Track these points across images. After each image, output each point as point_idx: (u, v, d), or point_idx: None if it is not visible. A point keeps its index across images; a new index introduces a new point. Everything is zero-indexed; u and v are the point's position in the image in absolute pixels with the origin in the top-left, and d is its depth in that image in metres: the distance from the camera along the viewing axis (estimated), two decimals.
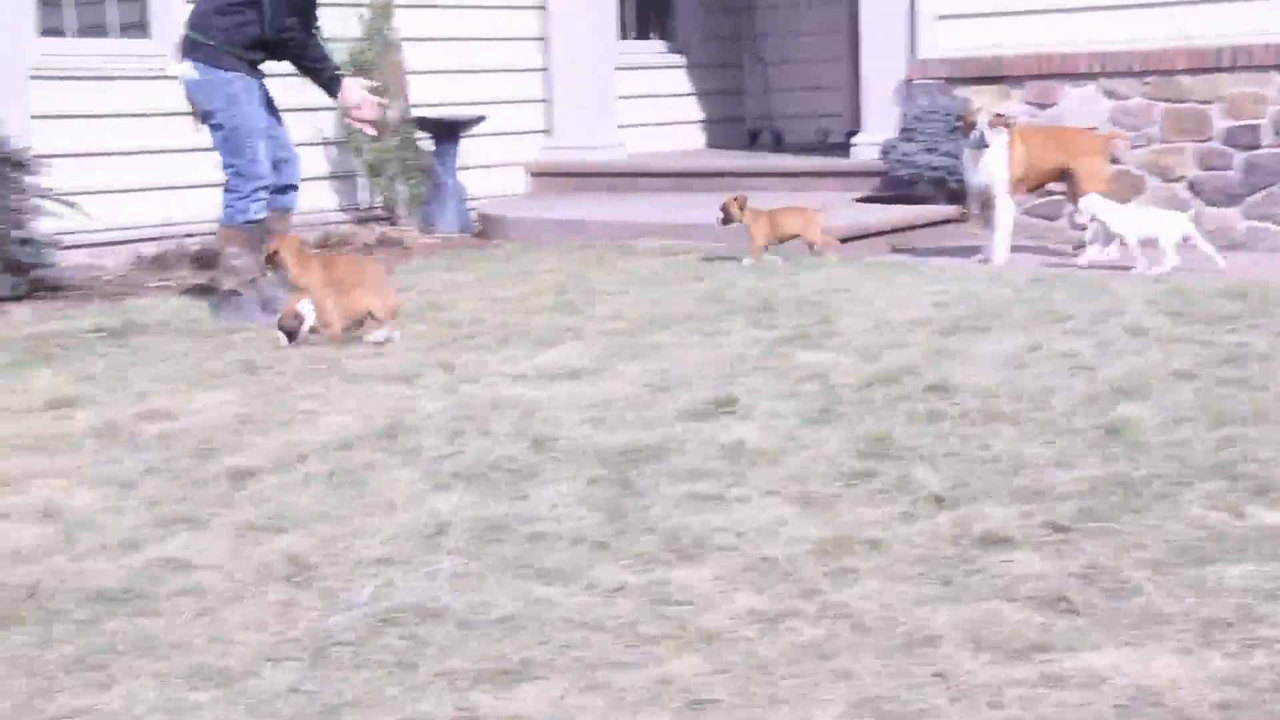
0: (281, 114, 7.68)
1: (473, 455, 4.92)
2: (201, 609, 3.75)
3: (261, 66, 7.52)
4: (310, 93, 10.19)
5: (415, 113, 10.61)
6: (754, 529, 4.22)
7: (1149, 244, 8.01)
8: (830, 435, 5.01)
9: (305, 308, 6.74)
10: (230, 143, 7.35)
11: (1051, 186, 9.25)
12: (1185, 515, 4.23)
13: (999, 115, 8.78)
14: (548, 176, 11.78)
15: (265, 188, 7.35)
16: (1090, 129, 9.38)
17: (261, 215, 7.32)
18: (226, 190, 7.38)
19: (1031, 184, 8.96)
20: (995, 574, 3.87)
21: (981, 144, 8.49)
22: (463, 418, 5.37)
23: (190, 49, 7.41)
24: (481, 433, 5.18)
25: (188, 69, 7.41)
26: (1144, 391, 5.37)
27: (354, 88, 7.56)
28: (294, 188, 7.60)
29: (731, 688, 3.26)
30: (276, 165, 7.45)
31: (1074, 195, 8.74)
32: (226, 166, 7.38)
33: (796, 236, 8.43)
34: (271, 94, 7.59)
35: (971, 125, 8.58)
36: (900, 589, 3.79)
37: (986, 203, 8.77)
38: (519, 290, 8.07)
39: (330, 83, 7.55)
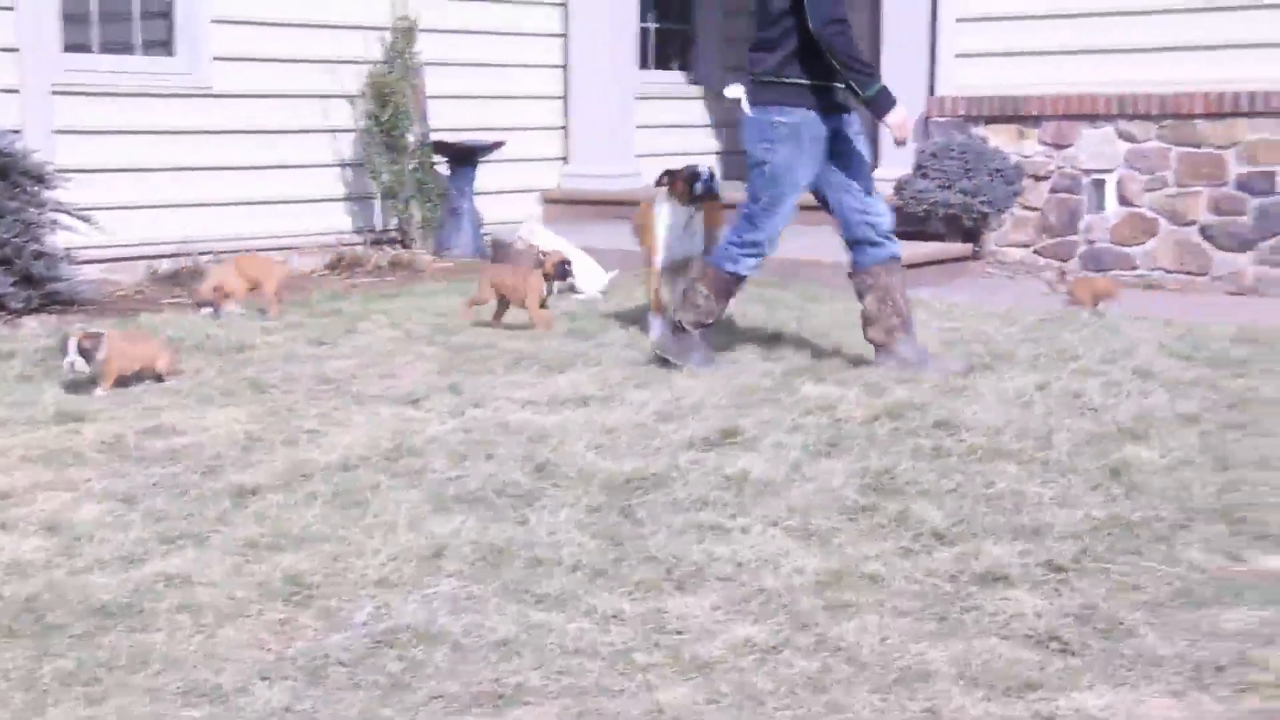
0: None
1: (476, 479, 4.93)
2: (199, 626, 3.77)
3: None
4: (334, 115, 10.37)
5: (434, 137, 10.66)
6: (754, 560, 4.23)
7: None
8: (834, 468, 5.02)
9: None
10: (755, 184, 6.59)
11: None
12: (1183, 558, 4.23)
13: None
14: (564, 204, 11.82)
15: (760, 245, 6.58)
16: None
17: (745, 272, 6.66)
18: (732, 227, 6.72)
19: None
20: (992, 611, 3.87)
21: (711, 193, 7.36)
22: (468, 442, 5.39)
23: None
24: (486, 457, 5.20)
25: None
26: (1148, 433, 5.38)
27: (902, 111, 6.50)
28: (888, 239, 6.58)
29: (724, 718, 3.26)
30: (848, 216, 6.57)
31: None
32: (746, 203, 6.64)
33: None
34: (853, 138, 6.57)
35: (695, 177, 7.31)
36: (897, 624, 3.79)
37: None
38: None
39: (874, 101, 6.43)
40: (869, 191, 6.57)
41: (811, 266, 8.92)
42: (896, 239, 6.64)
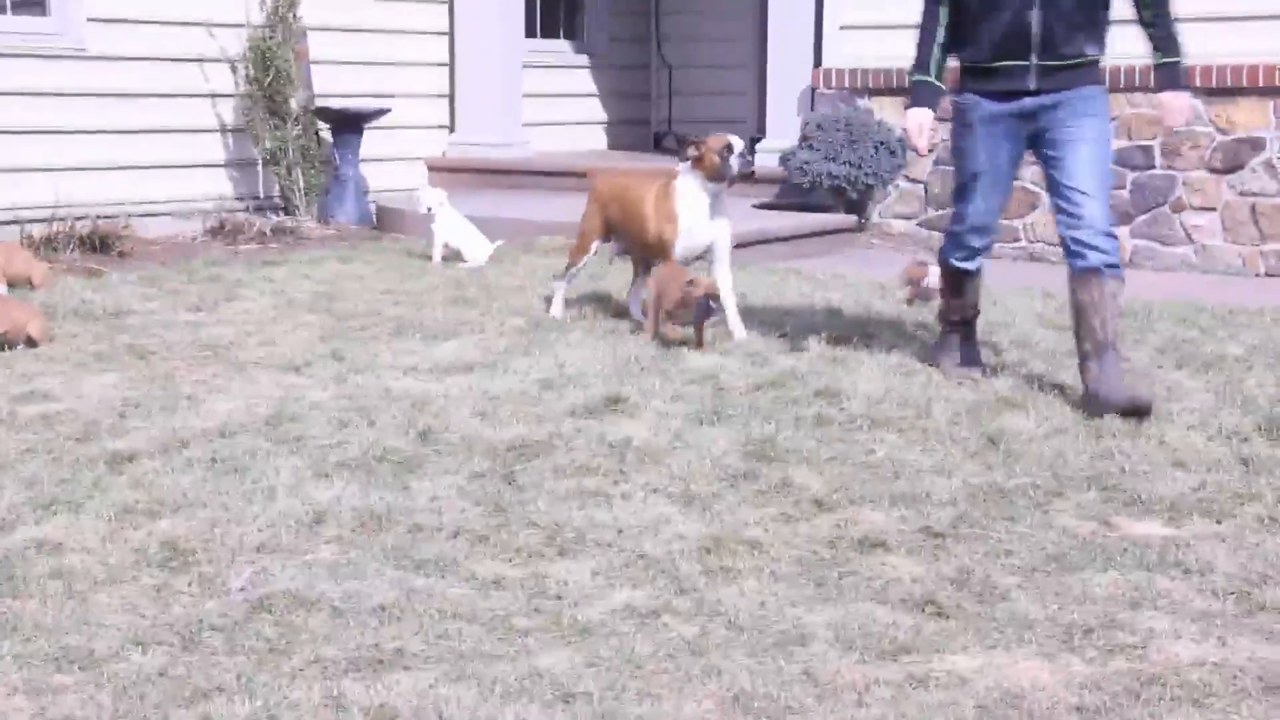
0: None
1: (357, 446, 4.90)
2: (72, 592, 3.71)
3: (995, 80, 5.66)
4: (215, 78, 10.20)
5: (319, 102, 10.53)
6: (635, 526, 4.25)
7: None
8: (716, 436, 5.05)
9: None
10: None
11: None
12: (1056, 524, 4.32)
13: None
14: (450, 172, 11.72)
15: (972, 234, 5.87)
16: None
17: (965, 266, 5.95)
18: None
19: None
20: (869, 576, 3.93)
21: (746, 171, 6.59)
22: (350, 409, 5.35)
23: None
24: (368, 423, 5.16)
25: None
26: (1025, 403, 5.47)
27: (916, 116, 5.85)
28: (1089, 248, 5.54)
29: (602, 681, 3.28)
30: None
31: None
32: None
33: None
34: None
35: (729, 150, 6.46)
36: (776, 589, 3.83)
37: None
38: (415, 284, 8.04)
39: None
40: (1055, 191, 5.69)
41: None
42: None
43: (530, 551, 4.06)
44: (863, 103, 10.28)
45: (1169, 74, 5.66)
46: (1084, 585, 3.86)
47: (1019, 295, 7.69)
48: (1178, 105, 5.63)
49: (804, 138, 10.03)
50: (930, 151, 6.23)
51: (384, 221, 10.50)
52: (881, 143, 9.90)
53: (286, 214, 10.38)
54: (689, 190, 6.51)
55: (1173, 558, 4.04)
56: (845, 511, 4.40)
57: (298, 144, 10.36)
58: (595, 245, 7.04)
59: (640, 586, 3.83)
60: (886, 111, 10.17)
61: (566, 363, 6.02)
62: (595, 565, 3.97)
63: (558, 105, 12.85)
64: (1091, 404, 5.39)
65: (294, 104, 10.32)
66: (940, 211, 10.08)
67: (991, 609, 3.71)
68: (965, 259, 5.95)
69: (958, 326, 6.08)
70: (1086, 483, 4.66)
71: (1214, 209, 9.36)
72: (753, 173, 6.61)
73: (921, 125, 5.82)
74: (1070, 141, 5.56)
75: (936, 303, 6.48)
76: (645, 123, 14.22)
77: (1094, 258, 5.51)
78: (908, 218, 10.25)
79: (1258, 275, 9.17)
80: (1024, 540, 4.18)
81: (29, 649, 3.37)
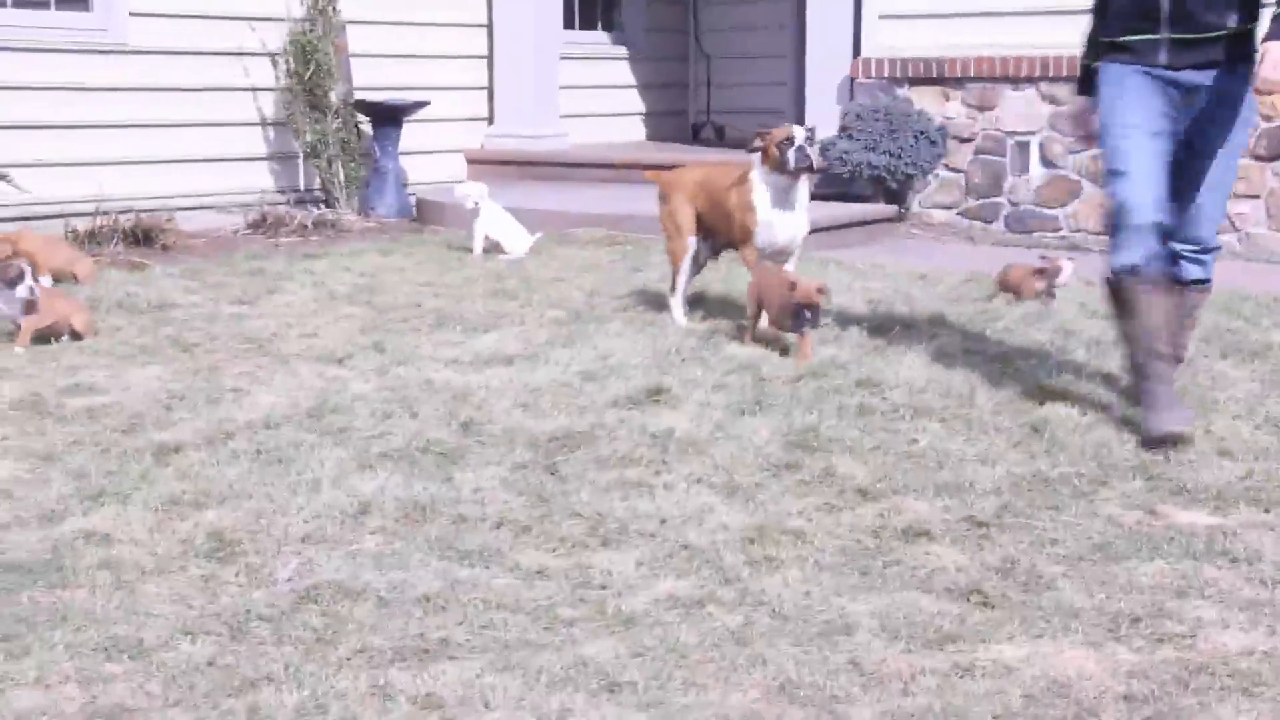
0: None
1: (401, 437, 4.91)
2: (120, 582, 3.74)
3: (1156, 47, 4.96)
4: (256, 72, 10.25)
5: (358, 95, 10.57)
6: (678, 516, 4.25)
7: None
8: (758, 426, 5.05)
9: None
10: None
11: None
12: (1101, 513, 4.30)
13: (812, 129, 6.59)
14: (489, 164, 11.75)
15: (1141, 230, 4.92)
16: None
17: (1130, 263, 4.94)
18: None
19: None
20: (914, 566, 3.92)
21: (805, 165, 6.33)
22: (393, 400, 5.37)
23: None
24: (410, 415, 5.18)
25: None
26: (1068, 392, 5.44)
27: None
28: (1182, 258, 5.09)
29: (647, 671, 3.28)
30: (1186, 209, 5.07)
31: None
32: None
33: None
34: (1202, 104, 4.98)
35: (789, 141, 6.29)
36: (820, 578, 3.83)
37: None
38: (455, 276, 8.06)
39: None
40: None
41: None
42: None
43: (574, 542, 4.07)
44: (902, 92, 10.24)
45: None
46: (1130, 574, 3.84)
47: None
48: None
49: (843, 128, 9.99)
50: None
51: (424, 214, 10.53)
52: (921, 132, 9.86)
53: (327, 207, 10.42)
54: (761, 183, 6.39)
55: (1220, 546, 4.02)
56: (889, 501, 4.39)
57: (338, 137, 10.40)
58: (692, 242, 6.68)
59: (684, 576, 3.83)
60: (926, 101, 10.13)
61: (608, 354, 6.02)
62: (639, 555, 3.97)
63: (595, 97, 12.85)
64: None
65: (334, 97, 10.35)
66: (980, 200, 10.04)
67: (1037, 598, 3.70)
68: (1128, 261, 4.95)
69: (1142, 365, 5.03)
70: (1131, 472, 4.64)
71: (1258, 196, 9.28)
72: (812, 166, 6.35)
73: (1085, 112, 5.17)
74: (1195, 135, 4.95)
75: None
76: (683, 114, 14.22)
77: (1185, 269, 5.06)
78: (948, 207, 10.21)
79: None
80: (1069, 529, 4.17)
81: (79, 638, 3.39)
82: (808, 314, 5.88)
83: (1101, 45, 5.13)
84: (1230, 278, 8.13)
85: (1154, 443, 4.79)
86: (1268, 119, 9.17)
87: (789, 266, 6.47)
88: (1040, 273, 7.12)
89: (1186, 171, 4.95)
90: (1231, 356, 6.04)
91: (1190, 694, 3.17)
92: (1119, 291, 4.98)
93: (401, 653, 3.37)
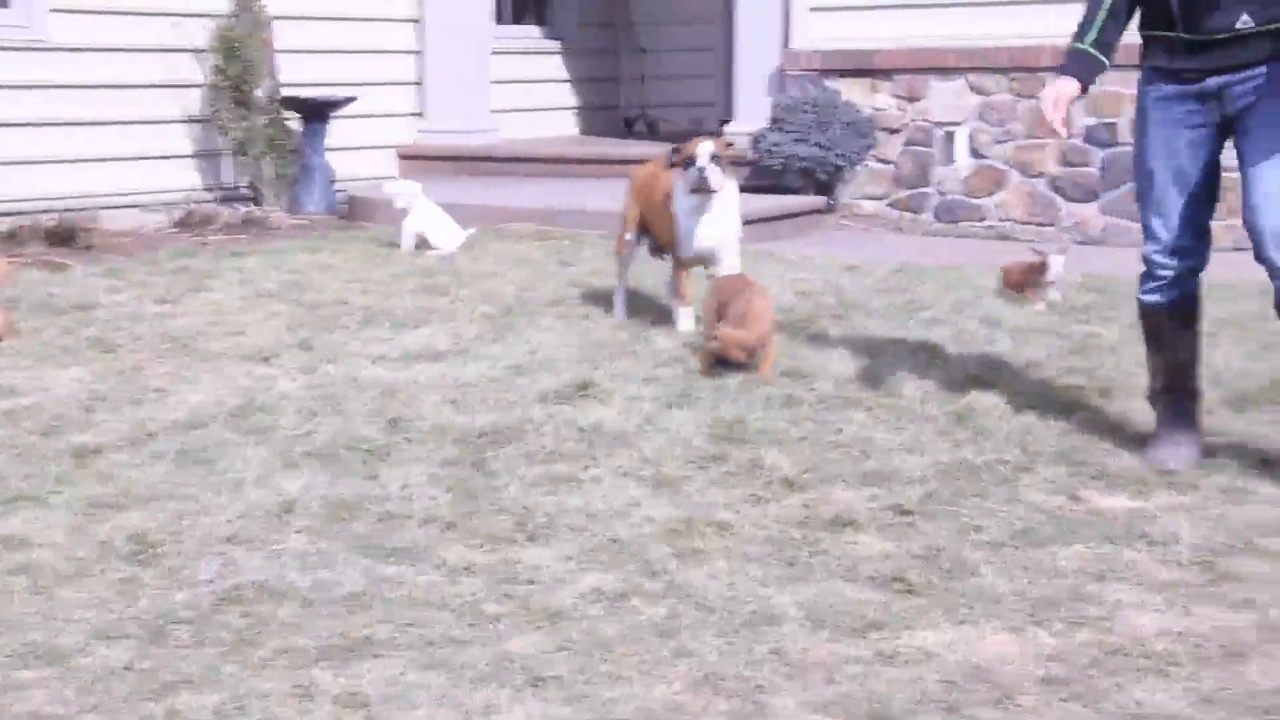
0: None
1: (326, 435, 4.88)
2: (37, 587, 3.69)
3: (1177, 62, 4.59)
4: (181, 69, 10.14)
5: (285, 92, 10.48)
6: (605, 510, 4.25)
7: None
8: (686, 419, 5.05)
9: None
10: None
11: None
12: (1025, 499, 4.33)
13: (729, 145, 6.54)
14: (421, 160, 11.68)
15: (1164, 263, 4.72)
16: None
17: (1153, 300, 4.77)
18: None
19: None
20: (839, 555, 3.93)
21: (704, 187, 6.15)
22: (320, 398, 5.33)
23: None
24: (337, 413, 5.14)
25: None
26: (994, 380, 5.48)
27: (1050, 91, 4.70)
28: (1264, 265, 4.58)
29: (572, 665, 3.28)
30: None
31: None
32: None
33: None
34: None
35: (691, 160, 6.14)
36: (746, 570, 3.84)
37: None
38: (384, 272, 8.01)
39: None
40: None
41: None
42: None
43: (500, 537, 4.06)
44: (831, 84, 10.27)
45: None
46: (1052, 559, 3.87)
47: (987, 274, 7.70)
48: None
49: (773, 120, 10.02)
50: (1069, 137, 5.20)
51: (354, 210, 10.46)
52: (849, 123, 9.90)
53: (255, 204, 10.32)
54: (681, 192, 6.26)
55: (1138, 530, 4.06)
56: (815, 491, 4.41)
57: (265, 134, 10.30)
58: (631, 238, 6.66)
59: (610, 570, 3.83)
60: (854, 92, 10.17)
61: (538, 348, 6.01)
62: (566, 550, 3.96)
63: (528, 91, 12.80)
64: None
65: (260, 94, 10.26)
66: (909, 191, 10.10)
67: (960, 584, 3.72)
68: (1154, 291, 4.76)
69: (1161, 395, 4.87)
70: (1055, 458, 4.68)
71: None
72: (709, 188, 6.10)
73: (1059, 96, 4.62)
74: (1253, 131, 4.49)
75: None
76: (615, 108, 14.18)
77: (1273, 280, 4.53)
78: (878, 198, 10.25)
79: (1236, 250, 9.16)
80: (992, 516, 4.20)
81: None
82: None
83: (1141, 48, 4.70)
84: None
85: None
86: None
87: (728, 268, 6.33)
88: (1037, 268, 7.07)
89: (1249, 175, 4.50)
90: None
91: (1107, 675, 3.21)
92: (1147, 321, 4.86)
93: (325, 652, 3.34)
